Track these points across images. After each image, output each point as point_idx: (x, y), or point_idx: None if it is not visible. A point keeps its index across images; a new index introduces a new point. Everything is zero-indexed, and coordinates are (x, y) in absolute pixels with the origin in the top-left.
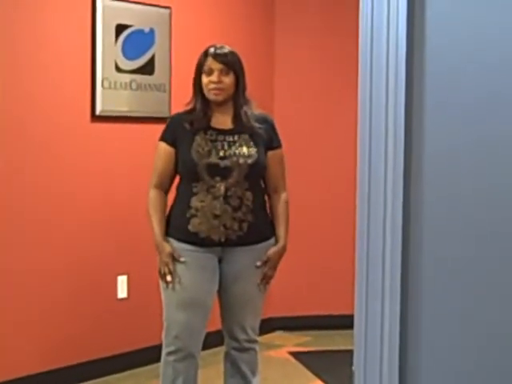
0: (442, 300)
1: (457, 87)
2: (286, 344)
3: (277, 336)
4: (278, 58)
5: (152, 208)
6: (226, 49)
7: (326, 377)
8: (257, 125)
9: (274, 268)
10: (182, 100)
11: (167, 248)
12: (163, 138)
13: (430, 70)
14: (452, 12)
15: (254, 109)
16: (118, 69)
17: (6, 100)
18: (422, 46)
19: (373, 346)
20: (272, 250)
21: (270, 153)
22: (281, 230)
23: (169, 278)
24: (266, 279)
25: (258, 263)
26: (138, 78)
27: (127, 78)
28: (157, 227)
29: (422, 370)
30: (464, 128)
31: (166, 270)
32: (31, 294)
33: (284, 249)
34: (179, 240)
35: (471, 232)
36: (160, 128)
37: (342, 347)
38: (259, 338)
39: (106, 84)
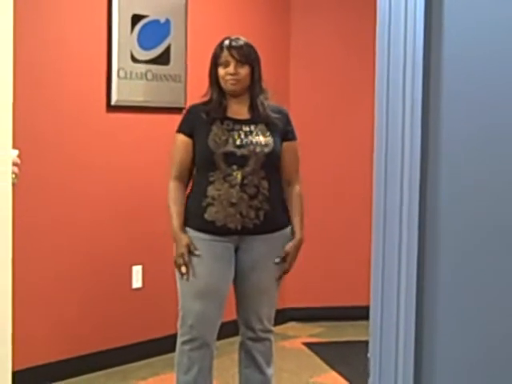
0: (459, 289)
1: (475, 72)
2: (300, 335)
3: (291, 327)
4: (293, 48)
5: (171, 200)
6: (241, 40)
7: (340, 367)
8: (273, 114)
9: (293, 261)
10: (197, 90)
11: (184, 239)
12: (181, 130)
13: (448, 54)
14: None
15: (270, 98)
16: (133, 59)
17: (22, 90)
18: (440, 28)
19: (388, 336)
20: (289, 245)
21: (285, 144)
22: (296, 224)
23: (183, 269)
24: (284, 273)
25: (277, 260)
26: (154, 68)
27: (143, 68)
28: (175, 219)
29: (438, 358)
30: (481, 116)
31: (181, 262)
32: (47, 283)
33: (301, 242)
34: (196, 229)
35: (489, 224)
36: (176, 118)
37: (356, 338)
38: (273, 328)
39: (122, 74)
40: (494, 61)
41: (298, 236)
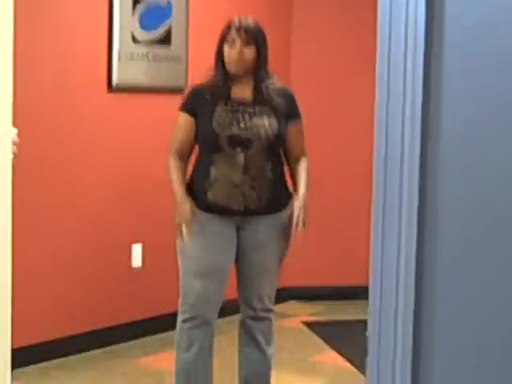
0: (459, 266)
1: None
2: (300, 314)
3: (290, 306)
4: (295, 28)
5: (173, 173)
6: (251, 21)
7: (339, 346)
8: (277, 98)
9: (304, 217)
10: (198, 71)
11: (188, 204)
12: (184, 109)
13: (450, 25)
14: None
15: (276, 82)
16: (134, 40)
17: (22, 72)
18: (441, 7)
19: (387, 315)
20: (293, 203)
21: (291, 124)
22: (301, 184)
23: (185, 234)
24: (297, 226)
25: (280, 238)
26: (155, 49)
27: (144, 49)
28: (179, 186)
29: (436, 337)
30: (485, 93)
31: (184, 228)
32: (46, 261)
33: (305, 197)
34: (198, 208)
35: (489, 206)
36: (176, 99)
37: (356, 317)
38: (274, 308)
39: (123, 55)
40: (496, 43)
41: (301, 191)
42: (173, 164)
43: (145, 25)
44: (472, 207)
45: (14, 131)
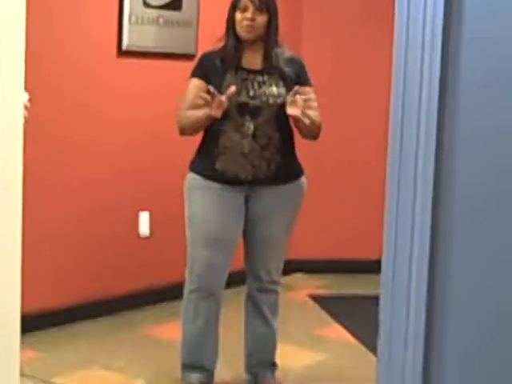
0: (474, 243)
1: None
2: (306, 286)
3: (297, 278)
4: (306, 3)
5: (188, 114)
6: None
7: (344, 321)
8: (286, 67)
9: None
10: (209, 37)
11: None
12: (195, 75)
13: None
14: None
15: (286, 51)
16: (145, 4)
17: (34, 35)
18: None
19: (400, 296)
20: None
21: None
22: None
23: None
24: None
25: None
26: (166, 13)
27: (154, 13)
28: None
29: (449, 321)
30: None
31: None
32: (54, 231)
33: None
34: (206, 177)
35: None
36: (187, 65)
37: (362, 292)
38: (281, 280)
39: (134, 19)
40: None
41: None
42: (183, 113)
43: None
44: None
45: (26, 96)
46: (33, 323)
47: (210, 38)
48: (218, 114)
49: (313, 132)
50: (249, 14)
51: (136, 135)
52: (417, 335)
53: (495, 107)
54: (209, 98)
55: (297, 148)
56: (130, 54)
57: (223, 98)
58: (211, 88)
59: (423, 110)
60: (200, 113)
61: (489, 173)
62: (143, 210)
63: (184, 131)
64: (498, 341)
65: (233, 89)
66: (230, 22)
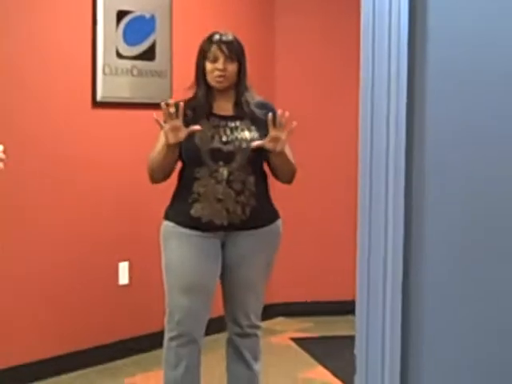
0: (446, 284)
1: (460, 69)
2: (288, 330)
3: (278, 322)
4: (278, 43)
5: (150, 157)
6: (231, 36)
7: (328, 362)
8: (257, 110)
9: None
10: (183, 86)
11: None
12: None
13: (433, 51)
14: None
15: (255, 96)
16: (119, 55)
17: (5, 86)
18: (424, 26)
19: (374, 332)
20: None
21: None
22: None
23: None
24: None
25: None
26: (139, 64)
27: (128, 64)
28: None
29: (424, 355)
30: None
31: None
32: (32, 280)
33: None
34: (181, 224)
35: (478, 219)
36: (161, 114)
37: (344, 333)
38: (261, 324)
39: (107, 70)
40: (478, 60)
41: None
42: (149, 157)
43: (129, 39)
44: (461, 218)
45: (0, 148)
46: (11, 377)
47: (185, 87)
48: (171, 138)
49: (288, 172)
50: (220, 65)
51: (113, 186)
52: (392, 372)
53: (465, 113)
54: (172, 110)
55: (271, 192)
56: (104, 105)
57: (185, 131)
58: (180, 105)
59: (391, 155)
60: (160, 146)
61: (461, 213)
62: (122, 259)
63: (153, 174)
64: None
65: (197, 127)
66: (200, 71)
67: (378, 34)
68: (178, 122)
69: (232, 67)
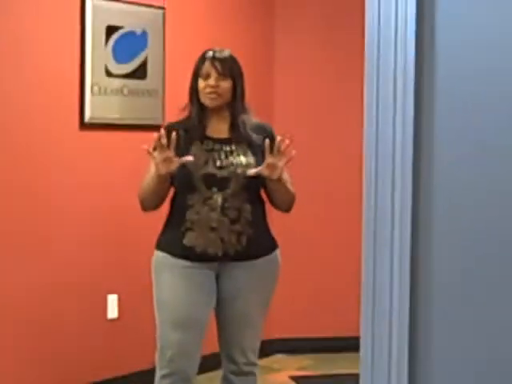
0: (455, 321)
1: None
2: (287, 368)
3: (277, 359)
4: (277, 62)
5: (142, 185)
6: (225, 52)
7: None
8: (254, 135)
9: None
10: (176, 106)
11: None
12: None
13: (441, 63)
14: (461, 14)
15: (253, 118)
16: (108, 73)
17: None
18: (432, 36)
19: (380, 371)
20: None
21: None
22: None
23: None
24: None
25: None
26: (130, 82)
27: (118, 82)
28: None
29: None
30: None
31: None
32: (18, 317)
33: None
34: (174, 255)
35: (486, 234)
36: (153, 136)
37: (345, 371)
38: (258, 361)
39: (96, 89)
40: (487, 63)
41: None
42: (141, 186)
43: (119, 57)
44: (467, 248)
45: None
46: None
47: (177, 107)
48: (162, 169)
49: (287, 200)
50: (212, 81)
51: (102, 212)
52: None
53: (474, 121)
54: (164, 141)
55: (269, 221)
56: (93, 126)
57: (177, 162)
58: (173, 135)
59: (397, 173)
60: (151, 174)
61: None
62: (111, 292)
63: (144, 202)
64: None
65: (189, 158)
66: (194, 91)
67: (383, 50)
68: (170, 153)
69: (225, 84)
